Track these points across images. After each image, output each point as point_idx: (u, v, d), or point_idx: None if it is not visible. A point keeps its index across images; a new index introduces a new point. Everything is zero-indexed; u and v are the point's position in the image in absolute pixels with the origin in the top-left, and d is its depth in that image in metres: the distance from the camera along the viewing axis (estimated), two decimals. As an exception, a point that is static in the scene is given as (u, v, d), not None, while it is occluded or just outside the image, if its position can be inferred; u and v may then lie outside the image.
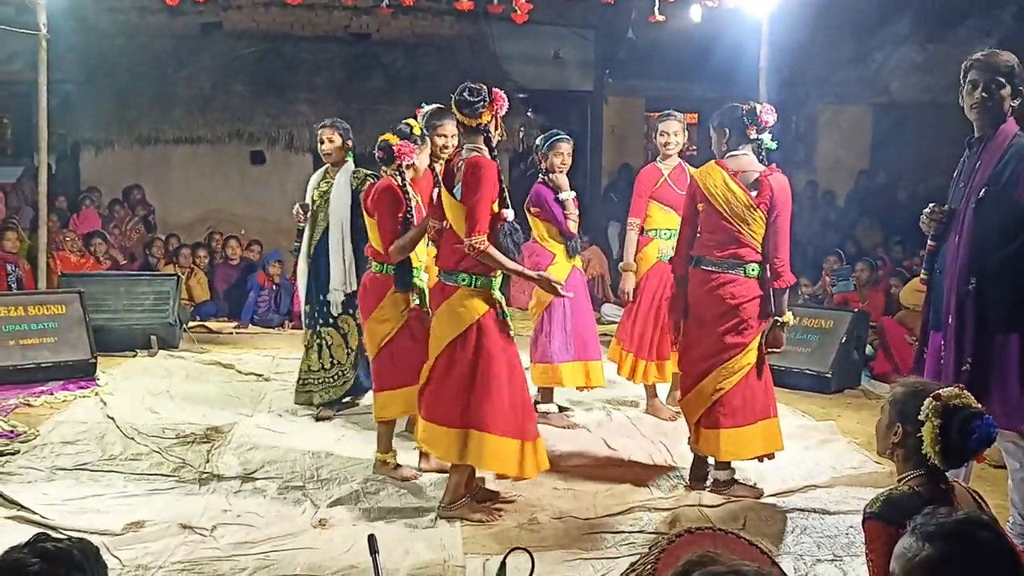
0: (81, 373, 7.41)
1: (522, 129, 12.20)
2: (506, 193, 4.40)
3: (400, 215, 5.06)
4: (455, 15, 12.63)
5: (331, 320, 6.28)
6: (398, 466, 5.27)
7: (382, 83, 13.31)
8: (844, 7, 12.70)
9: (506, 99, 4.48)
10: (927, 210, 4.22)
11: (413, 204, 5.15)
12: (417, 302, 5.18)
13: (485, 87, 4.42)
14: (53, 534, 2.13)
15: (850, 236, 12.37)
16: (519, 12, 8.34)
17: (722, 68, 11.30)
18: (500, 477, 4.82)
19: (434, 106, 5.60)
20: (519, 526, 4.56)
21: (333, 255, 6.16)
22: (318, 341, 6.36)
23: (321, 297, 6.28)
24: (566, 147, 6.27)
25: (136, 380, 7.46)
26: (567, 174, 6.33)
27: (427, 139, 5.31)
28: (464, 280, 4.44)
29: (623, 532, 4.51)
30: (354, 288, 6.04)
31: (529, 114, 13.35)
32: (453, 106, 4.47)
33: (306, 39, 13.72)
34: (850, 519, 4.57)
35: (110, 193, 12.39)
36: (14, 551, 2.00)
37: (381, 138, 5.15)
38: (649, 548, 3.13)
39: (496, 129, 4.47)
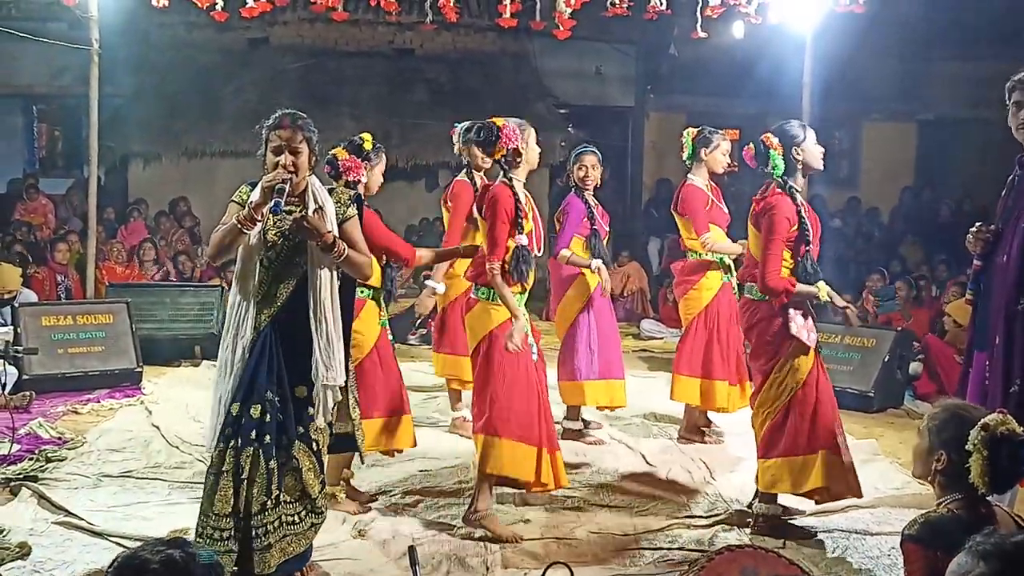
0: (127, 382, 7.56)
1: (563, 144, 12.24)
2: (520, 219, 4.57)
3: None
4: (498, 31, 12.70)
5: (303, 429, 3.88)
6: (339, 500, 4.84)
7: (425, 98, 13.42)
8: (889, 23, 12.62)
9: (514, 133, 4.58)
10: (973, 229, 4.17)
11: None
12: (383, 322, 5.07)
13: (494, 126, 4.59)
14: (192, 545, 2.01)
15: (895, 254, 12.22)
16: (561, 28, 8.36)
17: (764, 84, 11.27)
18: (517, 487, 4.74)
19: (467, 123, 5.64)
20: (557, 541, 4.57)
21: (324, 330, 3.89)
22: (270, 463, 3.78)
23: (277, 388, 3.84)
24: (589, 159, 6.22)
25: (180, 389, 7.56)
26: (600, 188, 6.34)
27: (381, 155, 5.07)
28: (483, 294, 4.65)
29: (661, 549, 4.50)
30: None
31: (570, 129, 13.40)
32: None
33: (350, 54, 13.87)
34: (892, 540, 4.50)
35: (157, 205, 12.59)
36: (146, 550, 1.97)
37: (331, 152, 4.86)
38: (689, 564, 3.14)
39: (518, 157, 4.64)
